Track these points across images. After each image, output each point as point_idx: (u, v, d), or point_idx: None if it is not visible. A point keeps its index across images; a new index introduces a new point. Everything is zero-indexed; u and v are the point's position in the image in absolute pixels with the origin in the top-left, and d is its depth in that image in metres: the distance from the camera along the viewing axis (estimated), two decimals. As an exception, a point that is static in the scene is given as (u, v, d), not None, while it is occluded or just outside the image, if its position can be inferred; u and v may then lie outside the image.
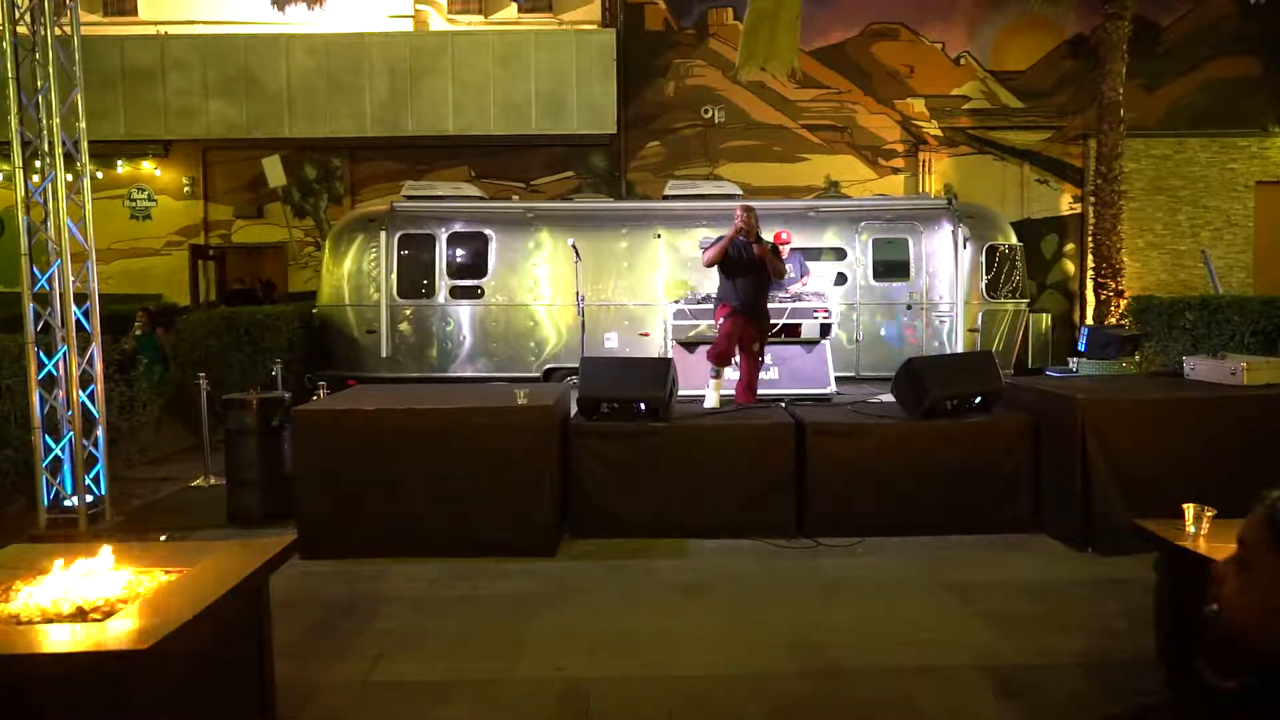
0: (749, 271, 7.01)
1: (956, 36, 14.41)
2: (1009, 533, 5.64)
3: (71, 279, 5.89)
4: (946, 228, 10.19)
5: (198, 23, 13.95)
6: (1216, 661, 1.24)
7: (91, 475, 6.02)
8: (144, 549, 3.45)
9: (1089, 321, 13.10)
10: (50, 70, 5.77)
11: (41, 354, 5.82)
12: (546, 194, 14.12)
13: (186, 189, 14.67)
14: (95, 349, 6.07)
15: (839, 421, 5.95)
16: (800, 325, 8.85)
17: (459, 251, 10.29)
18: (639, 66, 14.20)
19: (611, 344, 10.02)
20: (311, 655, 3.99)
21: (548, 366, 10.11)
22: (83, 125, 6.10)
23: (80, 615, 2.63)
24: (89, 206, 6.09)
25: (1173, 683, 3.48)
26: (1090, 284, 13.21)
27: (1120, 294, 12.48)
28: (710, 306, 7.93)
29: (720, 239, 7.10)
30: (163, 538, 5.31)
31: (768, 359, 7.93)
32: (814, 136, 14.36)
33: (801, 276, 9.14)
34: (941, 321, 10.14)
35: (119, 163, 14.38)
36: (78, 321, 5.96)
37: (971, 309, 10.10)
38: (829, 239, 10.31)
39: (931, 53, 14.43)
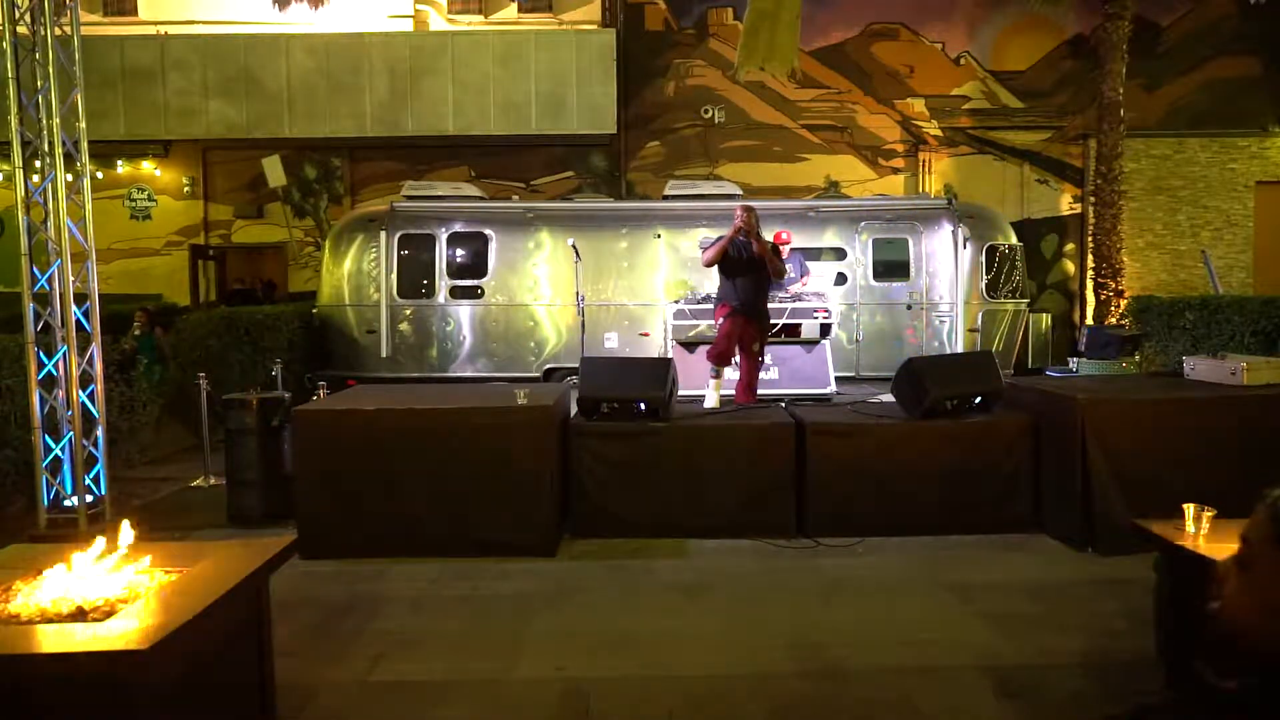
0: (749, 271, 7.01)
1: (956, 36, 14.41)
2: (1009, 533, 5.64)
3: (71, 279, 5.88)
4: (946, 228, 10.19)
5: (198, 23, 13.95)
6: (1216, 661, 1.24)
7: (91, 475, 6.02)
8: (144, 549, 3.44)
9: (1089, 321, 13.11)
10: (50, 70, 5.76)
11: (41, 354, 5.81)
12: (546, 194, 14.12)
13: (186, 189, 14.67)
14: (95, 349, 6.06)
15: (839, 421, 5.94)
16: (800, 325, 8.85)
17: (459, 251, 10.29)
18: (639, 66, 14.20)
19: (611, 344, 10.02)
20: (311, 655, 3.99)
21: (548, 366, 10.11)
22: (83, 125, 6.09)
23: (80, 615, 2.63)
24: (89, 206, 6.08)
25: (1173, 683, 3.47)
26: (1090, 284, 13.21)
27: (1120, 294, 12.49)
28: (710, 306, 7.93)
29: (720, 239, 7.10)
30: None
31: (768, 359, 7.94)
32: (814, 136, 14.36)
33: (801, 276, 9.14)
34: (941, 321, 10.14)
35: (119, 163, 14.38)
36: (78, 321, 5.96)
37: (971, 309, 10.10)
38: (829, 239, 10.31)
39: (931, 53, 14.42)
